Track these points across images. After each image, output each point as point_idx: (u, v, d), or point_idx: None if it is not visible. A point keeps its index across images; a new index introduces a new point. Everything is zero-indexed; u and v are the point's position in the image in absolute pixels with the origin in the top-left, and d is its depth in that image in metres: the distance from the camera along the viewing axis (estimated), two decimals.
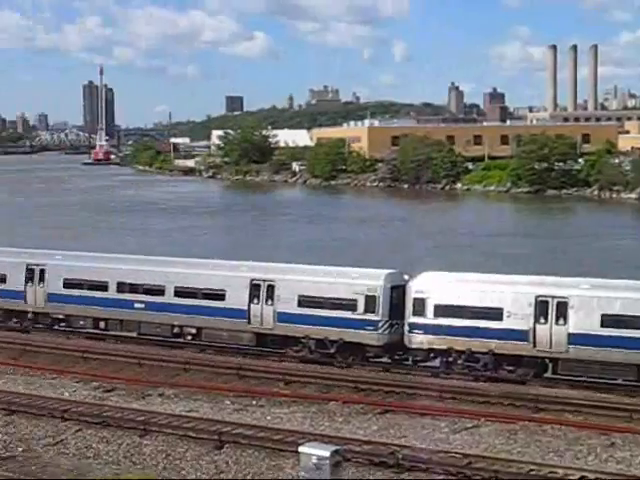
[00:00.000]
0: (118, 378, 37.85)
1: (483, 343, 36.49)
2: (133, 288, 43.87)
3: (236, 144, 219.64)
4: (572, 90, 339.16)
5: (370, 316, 38.37)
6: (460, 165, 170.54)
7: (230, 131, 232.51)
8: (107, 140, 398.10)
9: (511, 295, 36.46)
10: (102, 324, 45.03)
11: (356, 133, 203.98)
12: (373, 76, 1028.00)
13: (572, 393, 33.94)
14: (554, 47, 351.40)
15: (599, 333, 34.66)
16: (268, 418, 31.60)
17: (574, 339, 35.08)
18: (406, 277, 39.32)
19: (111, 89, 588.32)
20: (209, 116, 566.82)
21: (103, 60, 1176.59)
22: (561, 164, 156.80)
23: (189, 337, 42.94)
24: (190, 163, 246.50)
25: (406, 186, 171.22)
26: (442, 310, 37.33)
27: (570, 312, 35.21)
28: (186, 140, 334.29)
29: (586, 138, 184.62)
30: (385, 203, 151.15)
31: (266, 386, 36.27)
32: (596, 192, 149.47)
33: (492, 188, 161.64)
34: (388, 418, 31.58)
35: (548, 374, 36.56)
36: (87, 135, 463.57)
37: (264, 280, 40.81)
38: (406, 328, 38.05)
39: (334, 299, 39.15)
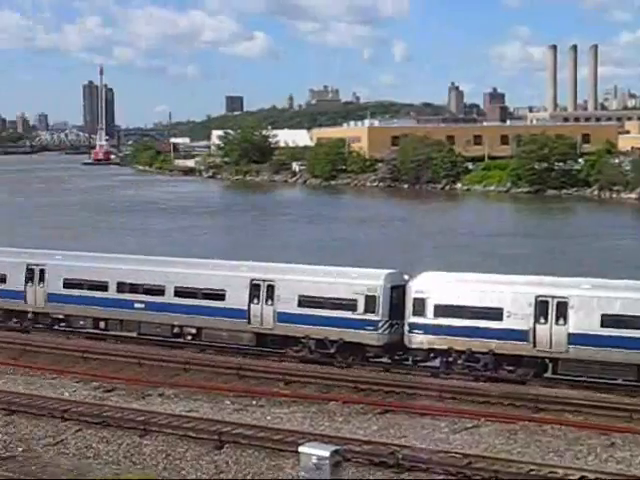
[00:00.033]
0: (118, 378, 37.85)
1: (483, 343, 36.48)
2: (133, 288, 43.83)
3: (236, 144, 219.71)
4: (572, 90, 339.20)
5: (370, 316, 38.36)
6: (460, 165, 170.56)
7: (230, 131, 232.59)
8: (107, 140, 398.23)
9: (511, 295, 36.45)
10: (102, 324, 45.00)
11: (356, 133, 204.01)
12: (373, 76, 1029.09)
13: (572, 393, 33.95)
14: (554, 47, 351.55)
15: (599, 333, 34.65)
16: (268, 418, 31.61)
17: (574, 339, 35.07)
18: (406, 277, 39.29)
19: (111, 89, 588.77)
20: (209, 116, 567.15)
21: (103, 60, 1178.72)
22: (561, 164, 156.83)
23: (189, 337, 42.92)
24: (190, 163, 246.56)
25: (406, 186, 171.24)
26: (442, 310, 37.31)
27: (570, 312, 35.20)
28: (186, 140, 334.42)
29: (586, 138, 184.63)
30: (385, 203, 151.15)
31: (266, 386, 36.27)
32: (596, 192, 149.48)
33: (492, 188, 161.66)
34: (388, 418, 31.58)
35: (548, 374, 36.55)
36: (87, 135, 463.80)
37: (264, 280, 40.79)
38: (406, 328, 38.03)
39: (334, 299, 39.13)
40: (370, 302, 38.39)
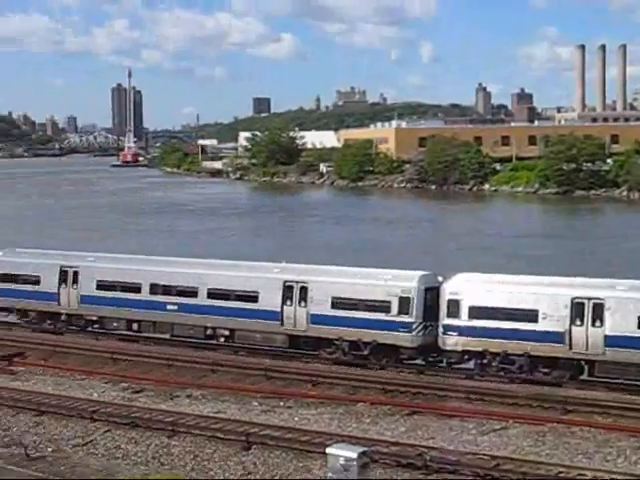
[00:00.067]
0: (147, 379, 37.99)
1: (518, 345, 36.17)
2: (166, 290, 43.88)
3: (263, 146, 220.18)
4: (601, 90, 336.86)
5: (404, 318, 38.19)
6: (488, 166, 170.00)
7: (257, 133, 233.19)
8: (135, 142, 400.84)
9: (546, 297, 36.11)
10: (135, 326, 45.08)
11: (383, 134, 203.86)
12: (400, 77, 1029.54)
13: (601, 395, 33.69)
14: (582, 47, 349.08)
15: (636, 335, 34.26)
16: (296, 419, 31.63)
17: (610, 341, 34.72)
18: (440, 279, 39.05)
19: (139, 91, 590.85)
20: (236, 118, 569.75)
21: (131, 63, 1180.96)
22: (589, 165, 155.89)
23: (222, 339, 42.90)
24: (218, 165, 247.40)
25: (433, 187, 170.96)
26: (477, 312, 37.04)
27: (606, 314, 34.84)
28: (214, 142, 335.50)
29: (615, 138, 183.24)
30: (412, 204, 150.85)
31: (294, 387, 36.28)
32: (625, 193, 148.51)
33: (520, 189, 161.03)
34: (416, 419, 31.53)
35: (584, 376, 36.26)
36: (115, 137, 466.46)
37: (297, 282, 40.72)
38: (440, 330, 37.82)
39: (368, 301, 38.96)
40: (404, 304, 38.22)
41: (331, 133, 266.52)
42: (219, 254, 58.85)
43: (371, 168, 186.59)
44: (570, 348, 35.47)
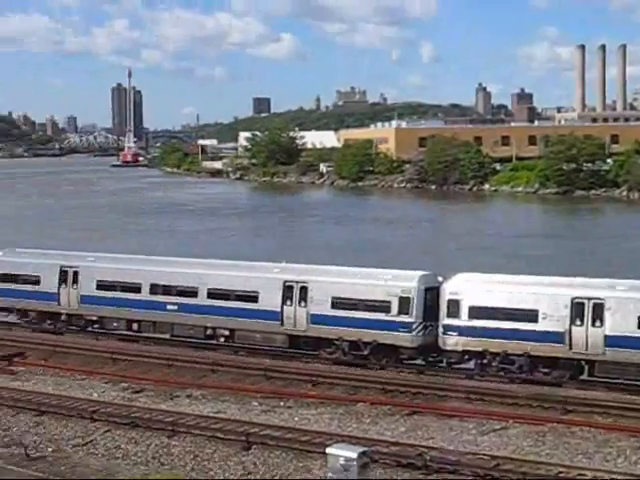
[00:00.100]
0: (146, 379, 38.01)
1: (518, 345, 36.17)
2: (166, 290, 43.89)
3: (263, 146, 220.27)
4: (601, 90, 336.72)
5: (404, 318, 38.19)
6: (488, 166, 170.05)
7: (257, 133, 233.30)
8: (135, 142, 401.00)
9: (546, 297, 36.12)
10: (135, 326, 45.10)
11: (383, 134, 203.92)
12: (401, 77, 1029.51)
13: (601, 395, 33.70)
14: (582, 47, 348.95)
15: (636, 335, 34.26)
16: (296, 419, 31.65)
17: (611, 341, 34.71)
18: (440, 279, 39.06)
19: (139, 91, 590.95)
20: (236, 118, 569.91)
21: (131, 63, 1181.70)
22: (589, 165, 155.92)
23: (222, 339, 42.91)
24: (218, 165, 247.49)
25: (433, 187, 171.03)
26: (477, 312, 37.03)
27: (606, 314, 34.83)
28: (214, 142, 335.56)
29: (615, 138, 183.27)
30: (412, 204, 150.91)
31: (294, 387, 36.30)
32: (625, 193, 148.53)
33: (520, 189, 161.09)
34: (416, 419, 31.54)
35: (584, 376, 36.26)
36: (115, 137, 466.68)
37: (297, 282, 40.72)
38: (440, 330, 37.83)
39: (368, 301, 38.96)
40: (404, 304, 38.22)
41: (331, 133, 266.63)
42: (219, 254, 58.87)
43: (371, 168, 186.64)
44: (570, 348, 35.48)
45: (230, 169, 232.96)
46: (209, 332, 43.09)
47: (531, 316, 36.03)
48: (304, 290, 40.43)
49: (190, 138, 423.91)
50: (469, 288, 37.71)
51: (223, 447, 28.68)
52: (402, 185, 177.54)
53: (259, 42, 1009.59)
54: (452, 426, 30.51)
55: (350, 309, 39.32)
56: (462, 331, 37.26)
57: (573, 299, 35.49)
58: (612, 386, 35.04)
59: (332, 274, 41.36)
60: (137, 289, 44.58)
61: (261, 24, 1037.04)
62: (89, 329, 46.71)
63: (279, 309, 40.83)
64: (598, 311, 35.01)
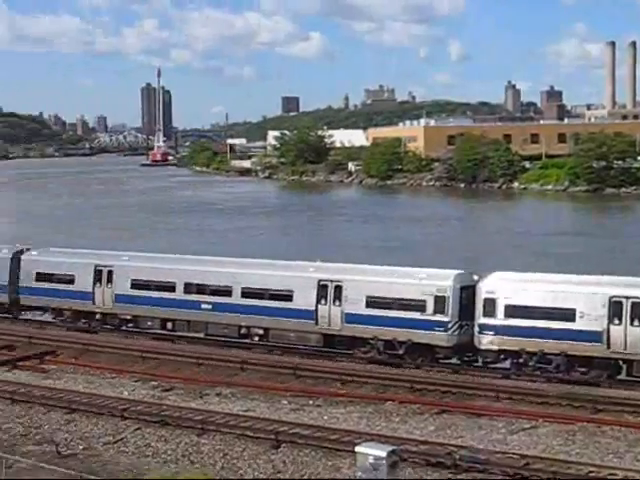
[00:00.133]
0: (176, 377, 38.16)
1: (555, 344, 35.87)
2: (200, 289, 44.00)
3: (292, 144, 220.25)
4: (631, 87, 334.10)
5: (439, 317, 38.04)
6: (517, 164, 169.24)
7: (286, 132, 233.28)
8: (165, 141, 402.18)
9: (584, 295, 35.80)
10: (169, 325, 45.28)
11: (412, 132, 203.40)
12: (429, 75, 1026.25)
13: (632, 394, 33.43)
14: (612, 44, 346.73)
15: None
16: (325, 418, 31.68)
17: None
18: (475, 277, 38.88)
19: (168, 91, 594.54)
20: (265, 117, 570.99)
21: (161, 62, 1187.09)
22: (620, 162, 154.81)
23: (256, 338, 42.89)
24: (246, 164, 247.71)
25: (462, 185, 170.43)
26: (513, 311, 36.79)
27: None
28: (242, 141, 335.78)
29: None
30: (441, 202, 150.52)
31: (323, 386, 36.31)
32: None
33: (550, 187, 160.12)
34: (445, 418, 31.48)
35: (622, 376, 35.91)
36: (145, 137, 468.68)
37: (331, 281, 40.66)
38: (476, 329, 37.64)
39: (403, 300, 38.83)
40: (439, 303, 38.06)
41: (360, 132, 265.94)
42: (249, 253, 59.02)
43: (400, 166, 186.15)
44: (608, 347, 35.10)
45: (259, 168, 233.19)
46: (243, 331, 43.13)
47: (568, 315, 35.68)
48: (339, 289, 40.36)
49: (219, 137, 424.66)
50: (505, 287, 37.46)
51: (252, 445, 28.76)
52: (431, 183, 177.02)
53: (288, 41, 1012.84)
54: (481, 425, 30.44)
55: (385, 308, 39.21)
56: (498, 330, 37.02)
57: (611, 298, 35.11)
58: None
59: (366, 273, 41.25)
60: (171, 288, 44.71)
61: (290, 23, 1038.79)
62: (123, 328, 46.90)
63: (313, 308, 40.80)
64: (637, 310, 34.61)
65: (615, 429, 29.58)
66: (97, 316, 47.45)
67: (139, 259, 48.01)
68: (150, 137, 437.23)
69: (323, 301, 40.63)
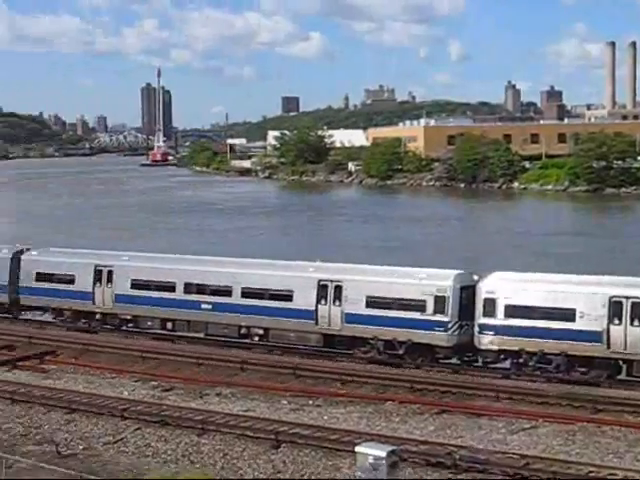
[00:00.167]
0: (176, 377, 38.17)
1: (555, 344, 35.88)
2: (200, 289, 44.02)
3: (292, 145, 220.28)
4: (631, 87, 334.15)
5: (439, 317, 38.05)
6: (517, 164, 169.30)
7: (286, 132, 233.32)
8: (165, 141, 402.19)
9: (584, 296, 35.79)
10: (169, 325, 45.28)
11: (412, 132, 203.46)
12: (429, 75, 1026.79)
13: (632, 394, 33.44)
14: (612, 44, 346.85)
15: None
16: (325, 418, 31.68)
17: None
18: (475, 277, 38.89)
19: (168, 91, 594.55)
20: (265, 117, 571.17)
21: (161, 62, 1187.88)
22: (620, 162, 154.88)
23: (256, 338, 42.89)
24: (246, 164, 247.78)
25: (462, 185, 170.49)
26: (513, 311, 36.80)
27: None
28: (242, 141, 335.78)
29: None
30: (441, 202, 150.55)
31: (323, 386, 36.32)
32: None
33: (549, 187, 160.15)
34: (445, 418, 31.49)
35: (622, 376, 35.91)
36: (145, 137, 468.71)
37: (331, 281, 40.67)
38: (476, 329, 37.65)
39: (403, 300, 38.83)
40: (439, 303, 38.07)
41: (360, 132, 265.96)
42: (248, 253, 58.99)
43: (400, 166, 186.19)
44: (608, 347, 35.11)
45: (259, 168, 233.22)
46: (243, 331, 43.14)
47: (568, 315, 35.68)
48: (339, 289, 40.37)
49: (219, 137, 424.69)
50: (505, 287, 37.47)
51: (252, 445, 28.78)
52: (431, 183, 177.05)
53: (288, 41, 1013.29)
54: (481, 425, 30.45)
55: (385, 308, 39.23)
56: (498, 330, 37.02)
57: (611, 298, 35.12)
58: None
59: (366, 273, 41.25)
60: (171, 288, 44.73)
61: (290, 23, 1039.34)
62: (123, 328, 46.91)
63: (313, 308, 40.81)
64: (637, 310, 34.61)
65: (615, 429, 29.59)
66: (97, 316, 47.46)
67: (139, 259, 48.02)
68: (150, 137, 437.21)
69: (323, 301, 40.64)
